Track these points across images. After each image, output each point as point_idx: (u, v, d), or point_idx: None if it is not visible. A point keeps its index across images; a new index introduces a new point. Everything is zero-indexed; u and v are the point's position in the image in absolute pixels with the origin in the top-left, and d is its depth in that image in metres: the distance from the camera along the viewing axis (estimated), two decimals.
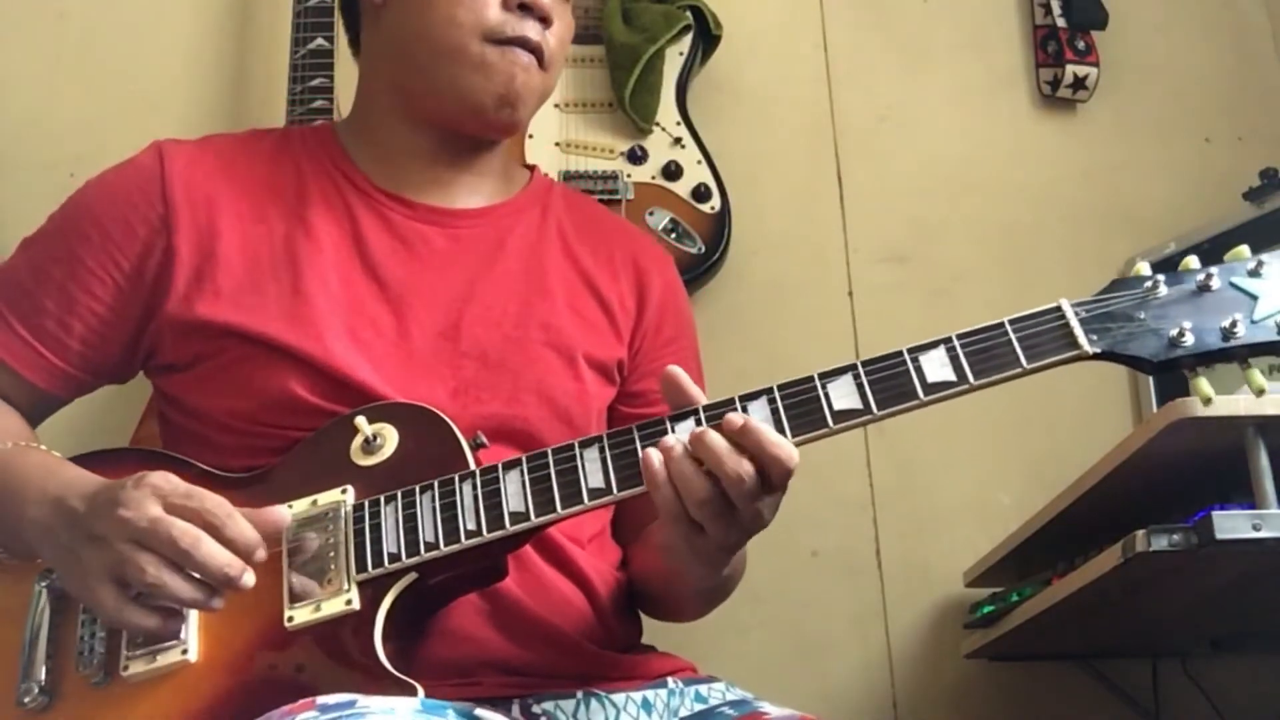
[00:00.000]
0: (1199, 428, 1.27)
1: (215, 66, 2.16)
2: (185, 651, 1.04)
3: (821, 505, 1.95)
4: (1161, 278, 1.05)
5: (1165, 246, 1.96)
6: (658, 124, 2.05)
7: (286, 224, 1.26)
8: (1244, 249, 1.04)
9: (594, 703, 1.16)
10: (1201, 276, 1.04)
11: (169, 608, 1.03)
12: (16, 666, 1.07)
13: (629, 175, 2.02)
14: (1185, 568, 1.31)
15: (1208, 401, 1.04)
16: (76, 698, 1.06)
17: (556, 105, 2.05)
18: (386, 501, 1.08)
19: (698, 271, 1.99)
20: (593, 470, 1.05)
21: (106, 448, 1.22)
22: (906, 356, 1.04)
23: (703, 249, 1.99)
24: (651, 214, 2.00)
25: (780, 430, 1.02)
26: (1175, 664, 1.88)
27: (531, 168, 1.44)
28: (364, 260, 1.26)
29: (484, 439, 1.13)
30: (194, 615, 1.06)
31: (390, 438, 1.13)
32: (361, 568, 1.06)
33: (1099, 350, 1.02)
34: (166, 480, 1.02)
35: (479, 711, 1.02)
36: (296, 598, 1.05)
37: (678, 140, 2.05)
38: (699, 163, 2.04)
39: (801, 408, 1.03)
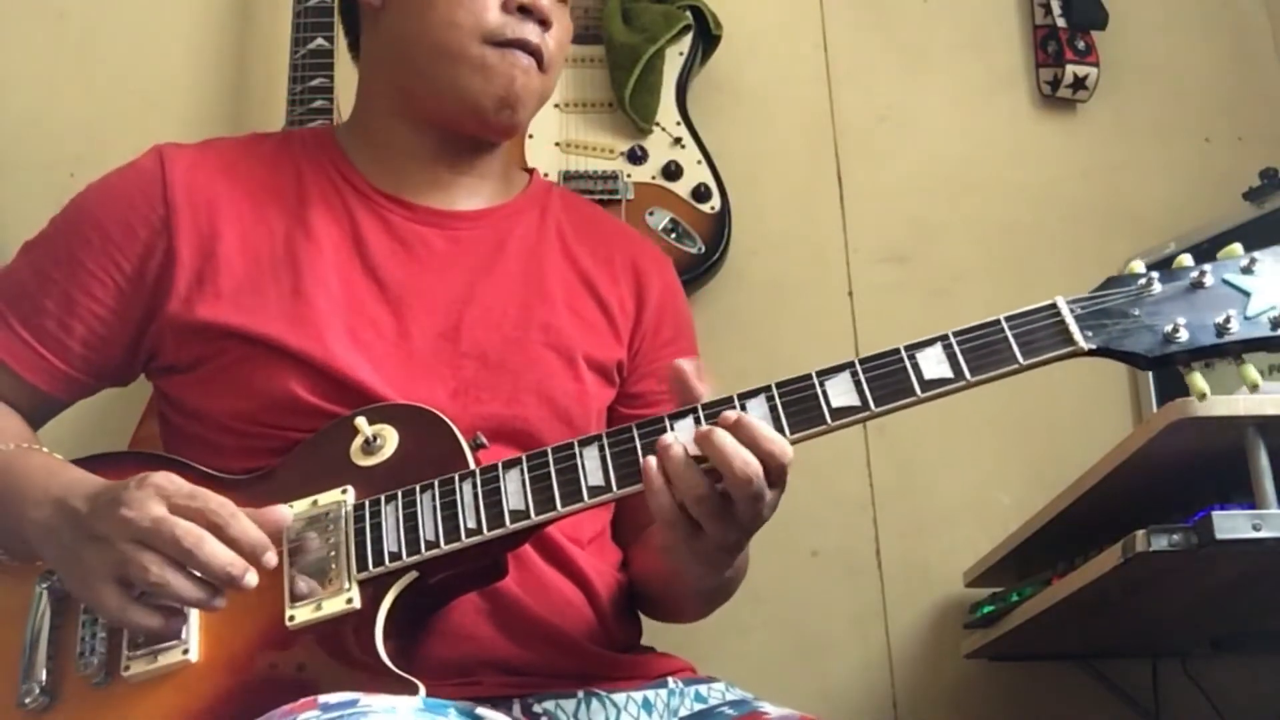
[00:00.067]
0: (1199, 428, 1.27)
1: (215, 66, 2.16)
2: (186, 651, 1.04)
3: (821, 505, 1.95)
4: (1155, 275, 1.06)
5: (1165, 246, 1.96)
6: (658, 124, 2.05)
7: (287, 226, 1.26)
8: (1237, 247, 1.06)
9: (594, 702, 1.16)
10: (1195, 274, 1.05)
11: (171, 607, 1.03)
12: (17, 668, 1.07)
13: (629, 175, 2.02)
14: (1185, 568, 1.31)
15: (1203, 396, 1.05)
16: (77, 698, 1.06)
17: (556, 105, 2.05)
18: (387, 501, 1.08)
19: (698, 271, 1.99)
20: (592, 468, 1.06)
21: (106, 451, 1.22)
22: (904, 354, 1.04)
23: (703, 249, 1.99)
24: (651, 214, 2.00)
25: (779, 428, 1.02)
26: (1175, 664, 1.89)
27: (530, 170, 1.45)
28: (364, 262, 1.26)
29: (484, 439, 1.13)
30: (195, 615, 1.06)
31: (390, 438, 1.13)
32: (362, 566, 1.06)
33: (1094, 346, 1.03)
34: (170, 481, 1.02)
35: (480, 710, 1.02)
36: (297, 597, 1.05)
37: (678, 140, 2.05)
38: (699, 163, 2.04)
39: (800, 405, 1.04)
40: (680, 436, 1.01)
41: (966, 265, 2.14)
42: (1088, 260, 2.12)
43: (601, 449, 1.06)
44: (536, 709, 1.15)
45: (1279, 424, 1.25)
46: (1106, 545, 1.34)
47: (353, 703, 0.92)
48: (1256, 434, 1.26)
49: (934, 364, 1.04)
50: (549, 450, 1.07)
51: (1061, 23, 2.21)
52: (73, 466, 1.15)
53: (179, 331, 1.21)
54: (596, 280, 1.34)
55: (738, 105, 2.19)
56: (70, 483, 1.08)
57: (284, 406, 1.17)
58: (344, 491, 1.10)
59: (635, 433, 1.06)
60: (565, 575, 1.21)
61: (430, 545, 1.05)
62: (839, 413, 1.03)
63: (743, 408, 1.03)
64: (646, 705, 1.17)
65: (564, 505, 1.05)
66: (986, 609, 1.75)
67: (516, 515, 1.05)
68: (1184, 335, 1.03)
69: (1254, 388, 1.02)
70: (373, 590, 1.05)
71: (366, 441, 1.13)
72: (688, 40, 2.09)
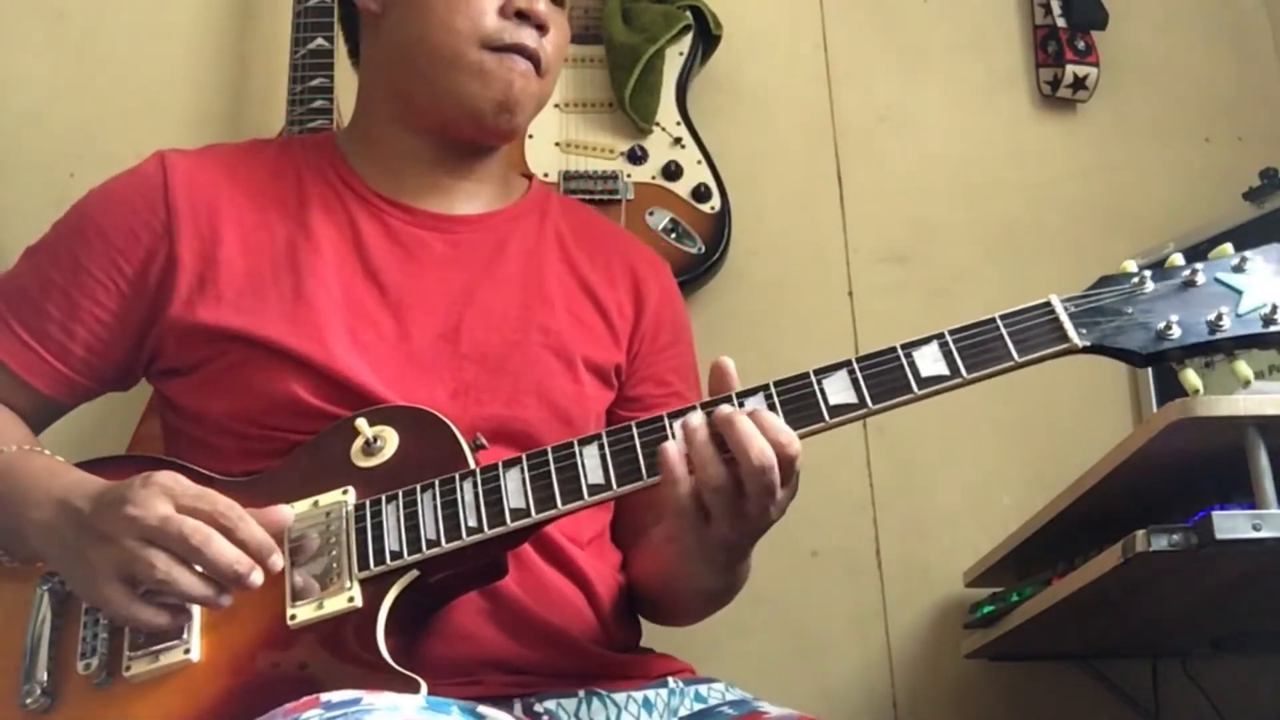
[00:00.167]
0: (1199, 428, 1.27)
1: (215, 66, 2.15)
2: (188, 651, 1.05)
3: (821, 505, 1.95)
4: (1148, 273, 1.08)
5: (1165, 246, 1.95)
6: (658, 124, 2.05)
7: (288, 229, 1.27)
8: (1228, 246, 1.08)
9: (595, 702, 1.16)
10: (1187, 272, 1.07)
11: (176, 605, 1.03)
12: (18, 668, 1.08)
13: (629, 175, 2.02)
14: (1185, 568, 1.31)
15: (1196, 392, 1.06)
16: (79, 698, 1.06)
17: (556, 105, 2.05)
18: (388, 500, 1.09)
19: (697, 271, 1.99)
20: (592, 467, 1.07)
21: (106, 454, 1.23)
22: (900, 352, 1.06)
23: (703, 249, 1.99)
24: (651, 214, 2.00)
25: None
26: (1175, 664, 1.88)
27: (530, 176, 1.46)
28: (364, 265, 1.27)
29: (483, 440, 1.14)
30: (196, 615, 1.06)
31: (391, 440, 1.14)
32: (364, 565, 1.06)
33: (1088, 344, 1.05)
34: (175, 481, 1.03)
35: (482, 709, 1.02)
36: (299, 596, 1.06)
37: (678, 140, 2.05)
38: (699, 163, 2.04)
39: (798, 402, 1.05)
40: (703, 423, 1.02)
41: (966, 265, 2.14)
42: (1088, 260, 2.09)
43: (601, 448, 1.07)
44: (537, 708, 1.15)
45: (1279, 424, 1.25)
46: (1106, 545, 1.34)
47: (355, 701, 0.92)
48: (1256, 434, 1.26)
49: (930, 362, 1.05)
50: (549, 449, 1.08)
51: (1061, 23, 2.21)
52: (74, 468, 1.15)
53: (180, 334, 1.22)
54: (595, 285, 1.35)
55: (738, 105, 2.19)
56: (72, 484, 1.09)
57: (285, 408, 1.18)
58: (345, 492, 1.11)
59: (635, 431, 1.07)
60: (565, 575, 1.22)
61: (431, 544, 1.06)
62: (837, 410, 1.05)
63: (741, 405, 1.04)
64: (647, 705, 1.18)
65: (564, 503, 1.06)
66: (986, 609, 1.75)
67: (517, 514, 1.06)
68: (1177, 332, 1.04)
69: (1246, 383, 1.05)
70: (374, 589, 1.06)
71: (367, 443, 1.13)
72: (688, 40, 2.09)
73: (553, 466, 1.07)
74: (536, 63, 1.28)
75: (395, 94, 1.33)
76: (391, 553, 1.06)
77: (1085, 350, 1.05)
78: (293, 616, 1.05)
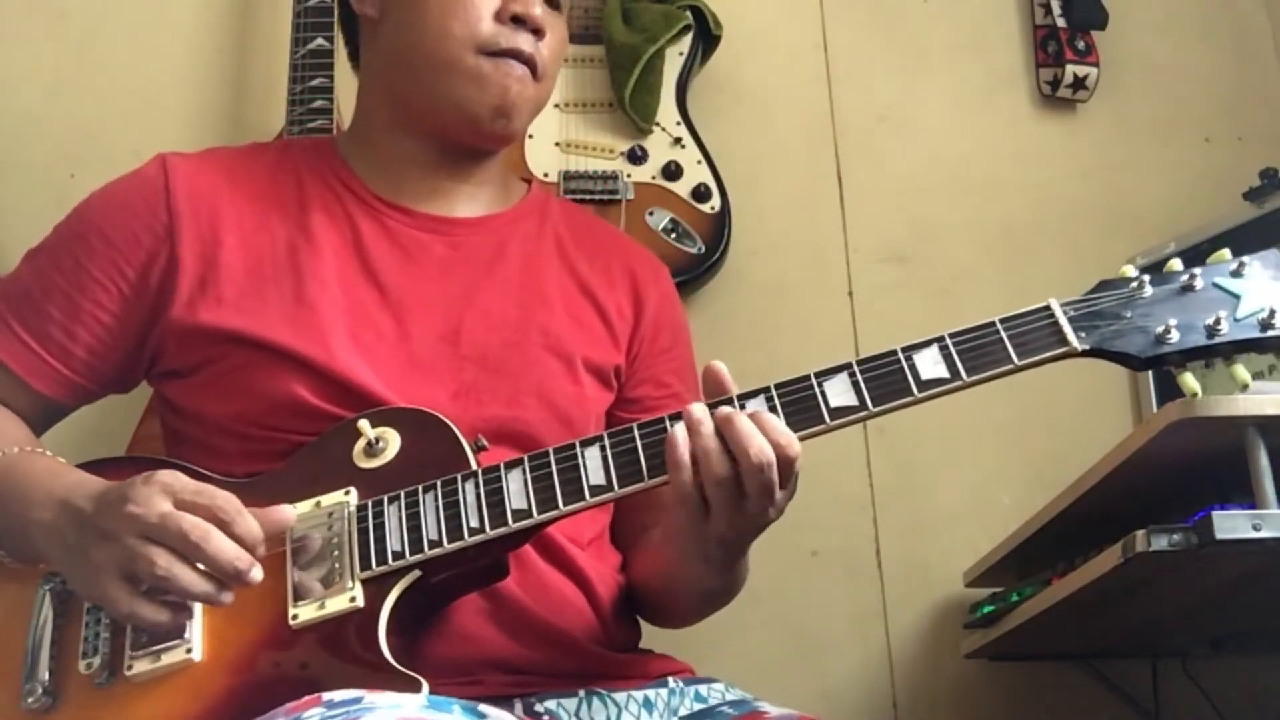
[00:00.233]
0: (1199, 428, 1.27)
1: (215, 66, 2.16)
2: (190, 650, 1.05)
3: (821, 505, 1.95)
4: (1147, 278, 1.09)
5: (1165, 246, 1.96)
6: (658, 124, 2.05)
7: (288, 232, 1.27)
8: (1225, 252, 1.09)
9: (595, 701, 1.17)
10: (1185, 277, 1.09)
11: (177, 603, 1.03)
12: (20, 668, 1.08)
13: (629, 175, 2.02)
14: (1185, 568, 1.31)
15: (1194, 396, 1.07)
16: (80, 698, 1.06)
17: (556, 105, 2.05)
18: (390, 501, 1.09)
19: (698, 271, 1.99)
20: (594, 468, 1.07)
21: (106, 455, 1.23)
22: (900, 355, 1.07)
23: (703, 249, 1.99)
24: (651, 214, 2.00)
25: None
26: (1175, 664, 1.89)
27: (529, 180, 1.46)
28: (365, 267, 1.27)
29: (485, 442, 1.15)
30: (198, 615, 1.06)
31: (393, 441, 1.14)
32: (366, 566, 1.07)
33: (1087, 347, 1.06)
34: (175, 478, 1.03)
35: (484, 708, 1.02)
36: (301, 596, 1.06)
37: (678, 140, 2.05)
38: (699, 163, 2.04)
39: (798, 405, 1.06)
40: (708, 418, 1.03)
41: (966, 265, 2.14)
42: (1088, 260, 2.12)
43: (603, 449, 1.08)
44: (538, 708, 1.15)
45: (1279, 424, 1.25)
46: (1106, 545, 1.34)
47: (357, 700, 0.92)
48: (1256, 434, 1.26)
49: (930, 364, 1.06)
50: (551, 450, 1.09)
51: (1061, 23, 2.21)
52: (76, 469, 1.15)
53: (181, 336, 1.22)
54: (595, 287, 1.36)
55: (738, 105, 2.19)
56: (74, 484, 1.09)
57: (287, 409, 1.18)
58: (347, 493, 1.11)
59: (636, 433, 1.07)
60: (566, 576, 1.22)
61: (433, 544, 1.06)
62: (837, 412, 1.06)
63: (742, 407, 1.05)
64: (647, 704, 1.18)
65: (566, 504, 1.06)
66: (986, 609, 1.75)
67: (519, 514, 1.07)
68: (1175, 336, 1.05)
69: (1244, 387, 1.06)
70: (376, 589, 1.06)
71: (369, 444, 1.14)
72: (688, 40, 2.09)
73: (554, 467, 1.08)
74: (533, 67, 1.29)
75: (394, 98, 1.33)
76: (393, 553, 1.07)
77: (1084, 354, 1.07)
78: (294, 616, 1.05)
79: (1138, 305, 1.08)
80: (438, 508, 1.08)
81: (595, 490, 1.06)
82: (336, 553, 1.07)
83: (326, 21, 1.95)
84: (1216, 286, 1.07)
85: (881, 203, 2.17)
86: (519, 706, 1.15)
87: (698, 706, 1.20)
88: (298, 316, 1.21)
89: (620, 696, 1.17)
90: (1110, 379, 2.05)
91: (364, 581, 1.06)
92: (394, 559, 1.06)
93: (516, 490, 1.07)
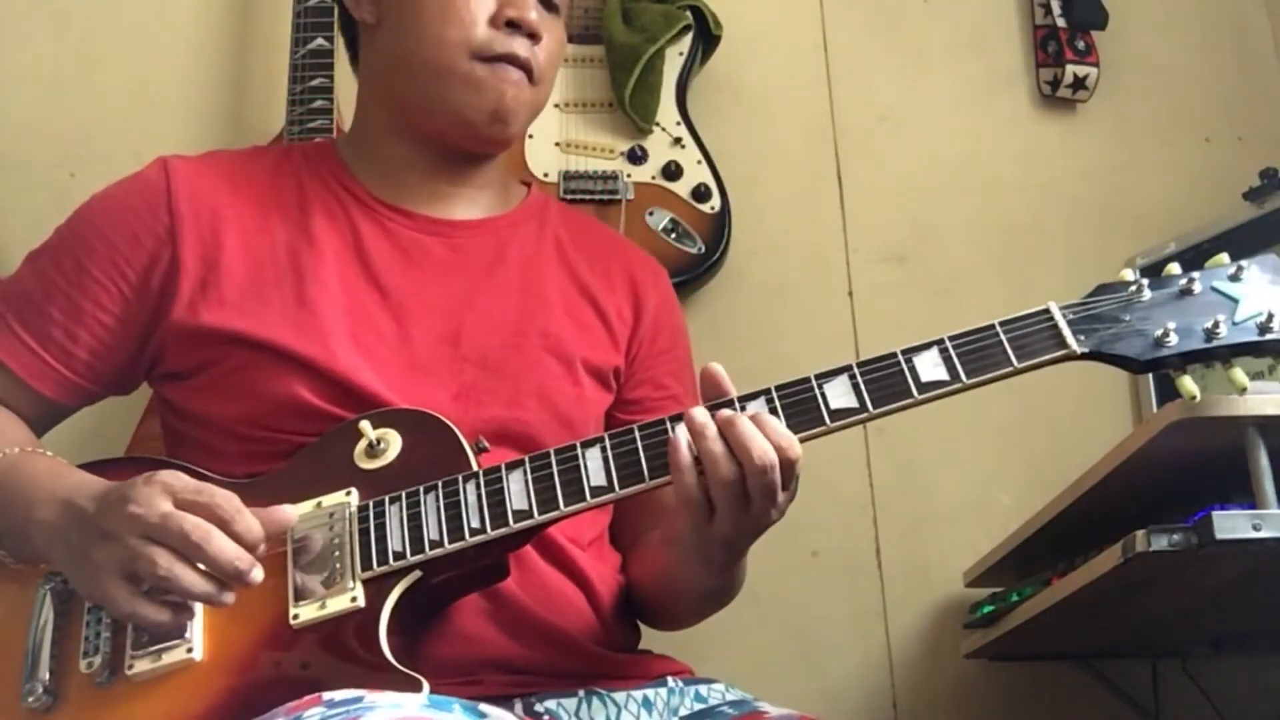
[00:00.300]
0: (1199, 428, 1.27)
1: (215, 66, 2.16)
2: (190, 650, 1.05)
3: (821, 505, 1.95)
4: (1145, 282, 1.10)
5: (1165, 246, 1.96)
6: (658, 124, 2.05)
7: (289, 234, 1.28)
8: (1224, 256, 1.10)
9: (595, 701, 1.17)
10: (1184, 281, 1.09)
11: (178, 603, 1.03)
12: (21, 667, 1.08)
13: (629, 175, 2.02)
14: (1185, 568, 1.31)
15: (1193, 399, 1.08)
16: (81, 697, 1.06)
17: (556, 105, 2.06)
18: (391, 501, 1.10)
19: (698, 271, 1.99)
20: (595, 469, 1.07)
21: (106, 456, 1.23)
22: (900, 357, 1.07)
23: (703, 249, 1.99)
24: (651, 214, 2.00)
25: None
26: (1175, 664, 1.89)
27: (529, 183, 1.46)
28: (366, 269, 1.27)
29: (485, 443, 1.15)
30: (199, 614, 1.06)
31: (394, 442, 1.14)
32: (367, 566, 1.07)
33: (1086, 350, 1.07)
34: (177, 478, 1.03)
35: (484, 707, 1.02)
36: (301, 596, 1.06)
37: (678, 140, 2.05)
38: (699, 163, 2.04)
39: (799, 407, 1.07)
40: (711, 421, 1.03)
41: (966, 265, 2.14)
42: (1088, 260, 2.12)
43: (604, 450, 1.08)
44: (538, 708, 1.16)
45: (1279, 424, 1.25)
46: (1106, 545, 1.34)
47: (358, 699, 0.92)
48: (1256, 434, 1.26)
49: (930, 367, 1.07)
50: (551, 451, 1.09)
51: (1061, 23, 2.21)
52: (78, 470, 1.15)
53: (183, 338, 1.22)
54: (594, 289, 1.36)
55: (738, 105, 2.19)
56: (76, 484, 1.09)
57: (288, 410, 1.18)
58: (348, 493, 1.11)
59: (637, 434, 1.08)
60: (566, 576, 1.22)
61: (434, 545, 1.07)
62: (838, 414, 1.06)
63: (742, 409, 1.06)
64: (647, 704, 1.18)
65: (567, 505, 1.07)
66: (986, 609, 1.75)
67: (520, 515, 1.07)
68: (1174, 339, 1.06)
69: (1242, 390, 1.06)
70: (377, 589, 1.06)
71: (370, 445, 1.14)
72: (688, 40, 2.09)
73: (555, 468, 1.08)
74: (529, 72, 1.29)
75: (392, 103, 1.34)
76: (394, 553, 1.07)
77: (1083, 357, 1.07)
78: (295, 616, 1.05)
79: (1136, 308, 1.08)
80: (439, 508, 1.08)
81: (596, 491, 1.07)
82: (337, 553, 1.08)
83: (326, 21, 1.95)
84: (1215, 290, 1.08)
85: (881, 203, 2.17)
86: (519, 706, 1.15)
87: (698, 706, 1.20)
88: (299, 318, 1.21)
89: (620, 696, 1.18)
90: (1110, 379, 2.05)
91: (365, 581, 1.06)
92: (395, 559, 1.07)
93: (517, 491, 1.07)
